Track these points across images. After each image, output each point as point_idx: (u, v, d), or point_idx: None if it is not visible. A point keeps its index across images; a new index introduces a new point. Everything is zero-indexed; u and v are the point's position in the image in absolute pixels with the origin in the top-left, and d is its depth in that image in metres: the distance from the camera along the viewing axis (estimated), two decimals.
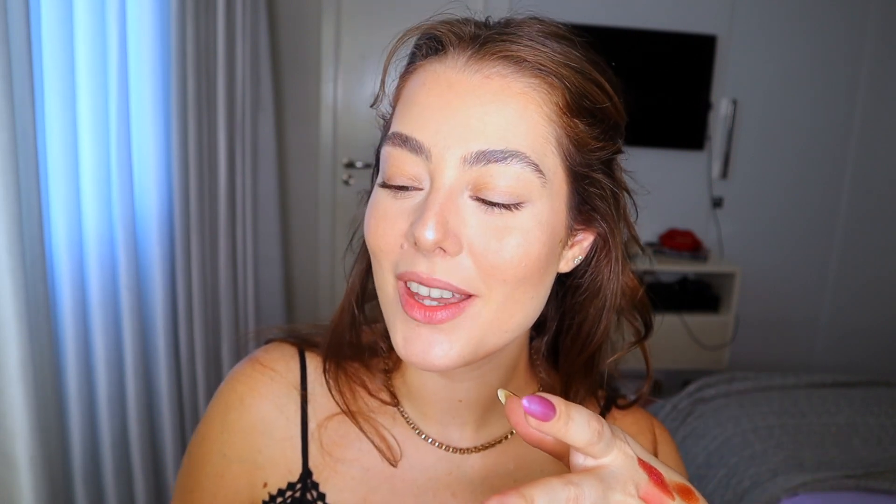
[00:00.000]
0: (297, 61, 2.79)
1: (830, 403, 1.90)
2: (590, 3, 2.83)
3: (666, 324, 2.75)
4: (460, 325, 0.48)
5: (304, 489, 0.58)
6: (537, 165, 0.47)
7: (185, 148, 1.73)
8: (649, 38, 2.82)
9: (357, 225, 0.57)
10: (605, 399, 0.67)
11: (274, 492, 0.58)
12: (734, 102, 2.98)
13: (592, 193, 0.52)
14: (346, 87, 2.87)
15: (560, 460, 0.38)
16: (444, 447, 0.60)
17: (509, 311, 0.49)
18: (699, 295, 2.91)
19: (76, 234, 1.31)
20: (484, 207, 0.47)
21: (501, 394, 0.36)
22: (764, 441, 1.74)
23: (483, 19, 0.52)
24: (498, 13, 0.53)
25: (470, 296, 0.48)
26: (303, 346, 0.62)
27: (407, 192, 0.49)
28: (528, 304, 0.51)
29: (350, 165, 2.93)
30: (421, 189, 0.49)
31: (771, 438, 1.75)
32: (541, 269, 0.49)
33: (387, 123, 0.54)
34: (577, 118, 0.49)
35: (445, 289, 0.47)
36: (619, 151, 0.54)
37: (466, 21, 0.51)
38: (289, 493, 0.58)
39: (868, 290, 3.23)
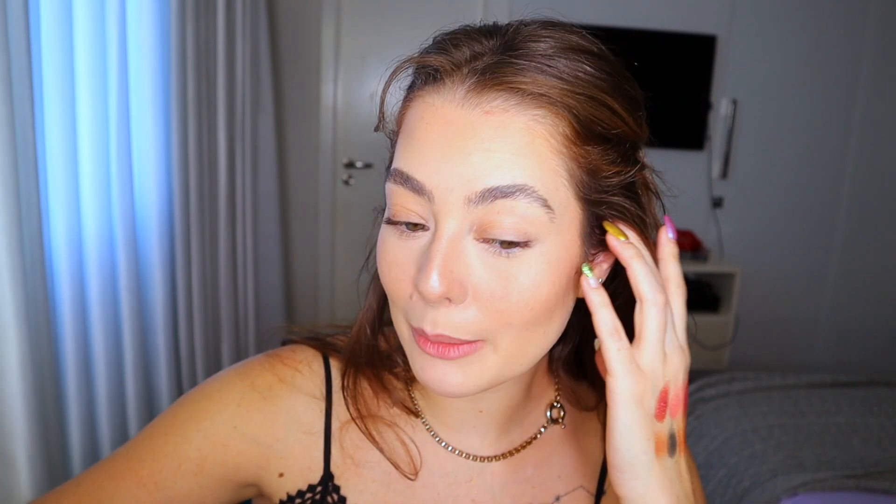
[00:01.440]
0: (297, 61, 2.79)
1: (830, 403, 1.90)
2: (590, 3, 2.83)
3: None
4: (473, 362, 0.48)
5: (325, 492, 0.58)
6: (546, 200, 0.44)
7: (185, 148, 1.73)
8: (649, 38, 2.82)
9: (371, 246, 0.55)
10: None
11: (293, 491, 0.58)
12: (734, 102, 2.98)
13: (609, 216, 0.49)
14: (346, 87, 2.87)
15: None
16: (464, 455, 0.60)
17: (522, 350, 0.49)
18: (699, 295, 2.90)
19: (76, 234, 1.31)
20: (490, 250, 0.45)
21: (586, 270, 0.48)
22: (764, 441, 1.74)
23: (490, 24, 0.49)
24: (498, 13, 0.52)
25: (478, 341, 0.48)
26: (326, 350, 0.61)
27: (413, 233, 0.47)
28: (542, 339, 0.49)
29: (350, 165, 2.93)
30: (427, 229, 0.47)
31: (771, 438, 1.74)
32: (551, 308, 0.47)
33: (393, 145, 0.52)
34: (589, 145, 0.46)
35: (449, 341, 0.47)
36: (642, 168, 0.51)
37: (466, 37, 0.47)
38: (308, 496, 0.58)
39: (868, 290, 3.23)
